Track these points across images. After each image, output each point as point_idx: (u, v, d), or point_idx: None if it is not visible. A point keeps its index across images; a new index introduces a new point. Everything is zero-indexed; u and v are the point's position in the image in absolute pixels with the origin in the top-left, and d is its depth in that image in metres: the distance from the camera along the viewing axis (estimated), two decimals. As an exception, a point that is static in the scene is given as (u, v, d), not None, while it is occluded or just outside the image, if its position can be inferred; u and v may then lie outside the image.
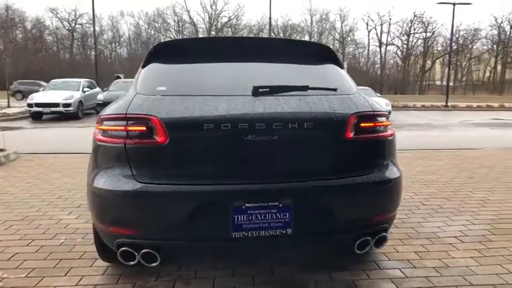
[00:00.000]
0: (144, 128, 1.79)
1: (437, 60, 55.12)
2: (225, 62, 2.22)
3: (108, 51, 54.57)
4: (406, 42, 54.19)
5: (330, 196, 1.83)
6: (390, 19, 54.88)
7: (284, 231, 1.78)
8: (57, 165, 5.57)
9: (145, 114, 1.80)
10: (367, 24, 56.42)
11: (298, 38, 54.89)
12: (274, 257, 2.48)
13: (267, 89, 1.89)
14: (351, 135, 1.89)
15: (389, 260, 2.55)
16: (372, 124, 1.95)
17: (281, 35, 54.04)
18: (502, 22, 53.95)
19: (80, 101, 14.39)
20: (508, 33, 52.52)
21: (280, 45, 2.48)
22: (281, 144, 1.80)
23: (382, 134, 1.98)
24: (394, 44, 55.49)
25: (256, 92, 1.88)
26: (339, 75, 2.22)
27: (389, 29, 55.20)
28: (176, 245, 1.86)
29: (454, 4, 20.64)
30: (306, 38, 54.23)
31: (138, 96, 1.91)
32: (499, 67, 55.66)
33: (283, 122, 1.78)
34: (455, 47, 39.70)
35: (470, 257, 2.60)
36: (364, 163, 1.93)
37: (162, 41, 2.44)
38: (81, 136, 10.06)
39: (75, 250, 2.70)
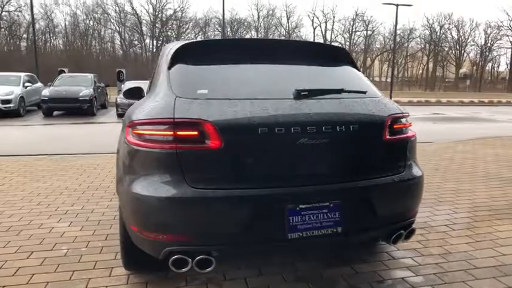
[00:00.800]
0: (196, 133, 1.75)
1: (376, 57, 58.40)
2: (254, 64, 2.22)
3: (41, 42, 50.59)
4: (348, 39, 56.67)
5: (373, 194, 1.94)
6: (334, 17, 56.90)
7: (335, 230, 1.85)
8: (17, 169, 5.15)
9: (197, 119, 1.76)
10: (312, 21, 57.99)
11: (244, 32, 55.10)
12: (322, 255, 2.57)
13: (307, 92, 1.94)
14: (388, 136, 2.00)
15: (399, 250, 2.73)
16: (401, 125, 2.08)
17: (228, 29, 53.86)
18: (433, 23, 58.45)
19: (22, 97, 13.26)
20: (438, 33, 56.96)
21: (302, 47, 2.53)
22: (329, 146, 1.85)
23: (408, 134, 2.13)
24: (337, 41, 57.70)
25: (299, 95, 1.92)
26: (360, 78, 2.33)
27: (333, 26, 57.31)
28: (233, 249, 1.85)
29: (397, 5, 22.15)
30: (253, 34, 54.55)
31: (180, 100, 1.84)
32: (430, 65, 60.36)
33: (331, 124, 1.84)
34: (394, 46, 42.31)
35: (466, 243, 2.86)
36: (397, 162, 2.05)
37: (185, 41, 2.36)
38: (29, 136, 9.35)
39: (85, 260, 2.55)
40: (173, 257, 1.73)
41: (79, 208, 3.61)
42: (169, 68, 2.15)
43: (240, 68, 2.21)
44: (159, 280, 2.30)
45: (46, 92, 13.29)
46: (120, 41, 52.99)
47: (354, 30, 56.36)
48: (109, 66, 39.09)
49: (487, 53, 58.58)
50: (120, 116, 13.16)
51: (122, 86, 17.80)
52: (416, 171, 2.12)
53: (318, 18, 61.91)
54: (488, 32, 57.01)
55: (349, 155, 1.92)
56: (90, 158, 6.01)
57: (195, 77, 2.09)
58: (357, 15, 55.21)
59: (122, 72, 19.17)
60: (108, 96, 17.75)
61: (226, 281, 2.30)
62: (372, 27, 55.85)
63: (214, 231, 1.77)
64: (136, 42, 53.67)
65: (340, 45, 2.61)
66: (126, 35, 52.47)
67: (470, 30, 58.39)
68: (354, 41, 56.90)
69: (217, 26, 54.09)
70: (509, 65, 59.29)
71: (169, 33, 53.30)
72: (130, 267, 2.27)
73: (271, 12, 55.18)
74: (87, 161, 5.72)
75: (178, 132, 1.75)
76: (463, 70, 58.72)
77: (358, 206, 1.91)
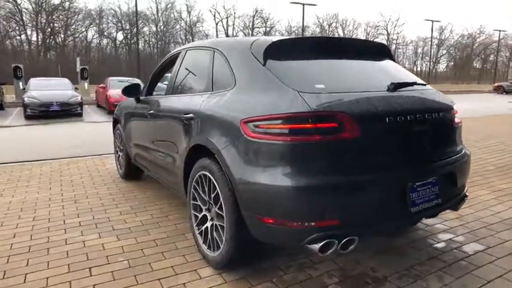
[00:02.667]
0: (335, 125, 1.85)
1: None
2: (339, 59, 2.37)
3: None
4: (250, 35, 58.19)
5: (455, 169, 2.29)
6: (235, 13, 57.82)
7: (437, 201, 2.15)
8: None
9: (335, 111, 1.86)
10: (214, 16, 58.02)
11: (142, 25, 52.39)
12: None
13: (398, 85, 2.18)
14: (456, 121, 2.38)
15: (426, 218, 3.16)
16: (456, 112, 2.47)
17: (124, 21, 50.81)
18: (323, 22, 63.53)
19: None
20: (327, 31, 62.16)
21: (364, 44, 2.72)
22: (429, 131, 2.15)
23: (459, 120, 2.53)
24: (238, 37, 58.93)
25: (395, 88, 2.15)
26: (404, 70, 2.65)
27: (234, 22, 58.26)
28: (370, 227, 2.01)
29: (303, 4, 23.76)
30: (153, 27, 52.36)
31: (307, 94, 1.91)
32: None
33: (432, 112, 2.14)
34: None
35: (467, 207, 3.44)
36: (459, 144, 2.45)
37: (272, 38, 2.38)
38: None
39: (158, 267, 2.41)
40: (323, 242, 1.82)
41: (90, 218, 3.29)
42: (264, 64, 2.18)
43: (332, 64, 2.34)
44: (255, 273, 2.32)
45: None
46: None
47: (253, 26, 58.21)
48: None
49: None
50: (30, 117, 11.69)
51: (23, 84, 15.66)
52: (466, 150, 2.54)
53: (219, 13, 62.21)
54: (368, 30, 64.47)
55: (439, 138, 2.24)
56: (29, 166, 5.34)
57: (302, 72, 2.16)
58: (256, 11, 57.14)
59: (20, 68, 16.82)
60: (3, 96, 15.47)
61: (317, 264, 2.43)
62: (270, 24, 58.46)
63: (357, 214, 1.91)
64: (14, 34, 47.00)
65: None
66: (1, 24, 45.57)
67: (353, 29, 64.85)
68: (256, 35, 58.76)
69: (110, 18, 50.64)
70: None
71: (56, 24, 48.03)
72: (233, 263, 2.24)
73: (170, 5, 53.61)
74: (33, 170, 5.08)
75: (319, 125, 1.84)
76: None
77: (447, 180, 2.24)
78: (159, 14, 52.99)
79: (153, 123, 3.32)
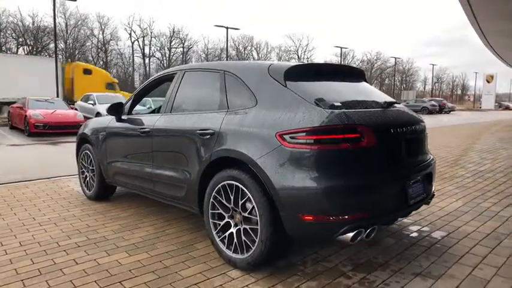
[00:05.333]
0: (358, 135, 2.29)
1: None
2: (340, 82, 2.87)
3: None
4: (168, 55, 57.74)
5: (431, 170, 2.90)
6: (151, 32, 56.86)
7: (423, 195, 2.73)
8: None
9: (357, 124, 2.30)
10: (130, 34, 56.30)
11: (48, 41, 48.50)
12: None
13: (388, 104, 2.74)
14: (426, 132, 3.05)
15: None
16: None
17: (25, 37, 46.57)
18: (238, 45, 65.81)
19: None
20: (242, 53, 64.55)
21: (352, 70, 3.24)
22: (416, 139, 2.74)
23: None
24: (155, 56, 58.06)
25: (388, 105, 2.70)
26: (377, 90, 3.26)
27: (150, 41, 57.24)
28: (388, 217, 2.47)
29: (227, 28, 24.71)
30: (61, 44, 48.81)
31: (333, 111, 2.32)
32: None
33: (415, 124, 2.73)
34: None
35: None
36: (428, 150, 3.11)
37: (291, 63, 2.76)
38: None
39: (188, 274, 2.56)
40: (355, 231, 2.23)
41: (84, 239, 3.23)
42: (285, 85, 2.56)
43: (336, 85, 2.81)
44: (277, 270, 2.61)
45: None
46: None
47: (171, 46, 57.91)
48: None
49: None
50: None
51: None
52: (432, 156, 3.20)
53: (135, 32, 60.64)
54: (280, 54, 68.57)
55: (420, 144, 2.85)
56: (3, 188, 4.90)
57: (319, 92, 2.57)
58: (173, 32, 57.02)
59: None
60: None
61: (327, 257, 2.81)
62: (188, 45, 58.79)
63: (377, 206, 2.37)
64: None
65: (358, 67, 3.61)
66: None
67: (267, 53, 68.43)
68: (171, 57, 58.46)
69: (9, 32, 46.03)
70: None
71: None
72: (267, 261, 2.51)
73: (81, 22, 50.74)
74: (10, 192, 4.68)
75: (347, 135, 2.27)
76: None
77: (427, 179, 2.84)
78: (69, 30, 49.79)
79: (150, 141, 3.43)
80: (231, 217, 2.69)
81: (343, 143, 2.27)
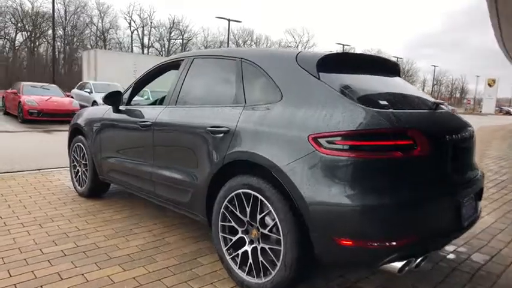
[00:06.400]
0: (411, 141, 1.86)
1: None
2: (380, 76, 2.43)
3: None
4: (166, 46, 56.95)
5: (481, 185, 2.45)
6: (151, 23, 55.96)
7: (475, 215, 2.30)
8: None
9: (410, 128, 1.87)
10: (129, 24, 55.38)
11: (46, 27, 47.57)
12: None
13: (436, 105, 2.31)
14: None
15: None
16: None
17: (24, 23, 45.66)
18: (238, 39, 65.01)
19: None
20: (242, 47, 63.80)
21: (390, 63, 2.74)
22: (468, 148, 2.31)
23: None
24: (154, 47, 57.27)
25: (436, 106, 2.27)
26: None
27: (150, 32, 56.41)
28: (440, 241, 2.04)
29: (229, 20, 24.12)
30: (59, 30, 47.89)
31: (380, 111, 1.89)
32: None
33: (466, 130, 2.29)
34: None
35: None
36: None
37: (323, 52, 2.31)
38: None
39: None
40: (404, 261, 1.81)
41: (72, 246, 2.80)
42: (318, 77, 2.13)
43: (377, 80, 2.38)
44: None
45: None
46: None
47: (170, 37, 57.12)
48: None
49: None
50: None
51: None
52: None
53: (135, 22, 59.60)
54: (281, 50, 67.78)
55: (470, 155, 2.40)
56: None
57: (361, 88, 2.15)
58: (173, 23, 56.21)
59: None
60: None
61: (357, 283, 2.39)
62: (188, 37, 58.01)
63: (431, 229, 1.94)
64: None
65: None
66: None
67: (267, 47, 67.59)
68: (171, 48, 57.67)
69: (8, 17, 45.04)
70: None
71: None
72: (290, 287, 2.09)
73: (80, 9, 49.85)
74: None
75: (399, 142, 1.84)
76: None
77: (478, 195, 2.41)
78: (68, 17, 48.90)
79: (151, 136, 2.99)
80: (246, 232, 2.27)
81: (394, 151, 1.84)
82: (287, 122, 2.07)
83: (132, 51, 54.86)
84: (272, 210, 2.06)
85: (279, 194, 2.04)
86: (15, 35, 46.19)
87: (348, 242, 1.84)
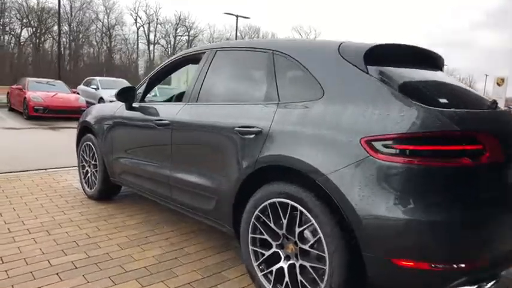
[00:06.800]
0: (481, 146, 1.59)
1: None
2: (425, 69, 2.15)
3: None
4: (173, 42, 56.64)
5: None
6: (157, 19, 55.61)
7: None
8: None
9: (480, 131, 1.59)
10: (135, 20, 55.09)
11: (52, 23, 47.43)
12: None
13: (495, 103, 2.02)
14: None
15: None
16: None
17: (30, 19, 45.55)
18: (245, 36, 64.59)
19: None
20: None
21: (430, 54, 2.48)
22: None
23: None
24: (159, 44, 57.03)
25: (496, 106, 1.98)
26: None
27: (156, 28, 56.14)
28: (509, 264, 1.75)
29: (237, 16, 23.89)
30: (64, 26, 47.73)
31: (440, 110, 1.62)
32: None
33: None
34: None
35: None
36: None
37: (371, 43, 2.03)
38: None
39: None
40: (474, 286, 1.54)
41: (84, 257, 2.56)
42: (366, 71, 1.85)
43: (430, 75, 2.10)
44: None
45: None
46: None
47: (176, 34, 56.85)
48: None
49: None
50: None
51: None
52: None
53: (141, 18, 59.22)
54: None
55: None
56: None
57: (416, 84, 1.89)
58: (179, 20, 55.88)
59: None
60: None
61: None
62: (194, 33, 57.71)
63: (504, 250, 1.66)
64: None
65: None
66: None
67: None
68: (177, 44, 57.41)
69: (13, 12, 44.91)
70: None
71: None
72: None
73: (86, 5, 49.65)
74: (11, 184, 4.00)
75: (468, 147, 1.56)
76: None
77: None
78: (73, 13, 48.74)
79: (169, 136, 2.73)
80: (281, 246, 2.01)
81: (463, 157, 1.56)
82: (333, 123, 1.79)
83: (137, 48, 54.72)
84: (315, 224, 1.79)
85: (324, 205, 1.77)
86: (21, 30, 46.09)
87: (409, 264, 1.57)
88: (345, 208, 1.68)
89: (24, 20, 46.13)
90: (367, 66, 1.87)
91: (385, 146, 1.61)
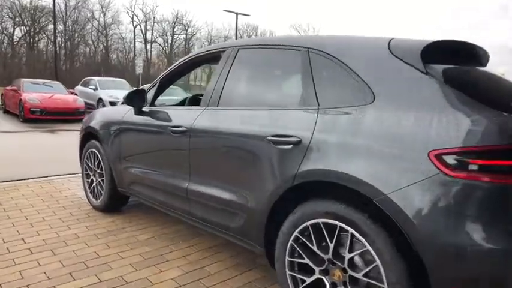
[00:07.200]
0: None
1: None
2: (483, 68, 1.90)
3: None
4: (170, 41, 56.15)
5: None
6: (154, 17, 55.01)
7: None
8: None
9: None
10: (132, 19, 54.51)
11: (46, 22, 46.78)
12: None
13: None
14: None
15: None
16: None
17: (22, 17, 44.92)
18: (242, 34, 64.21)
19: None
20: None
21: (475, 48, 2.21)
22: None
23: None
24: (157, 42, 56.51)
25: None
26: None
27: (153, 27, 55.58)
28: None
29: (237, 14, 23.61)
30: (60, 25, 47.16)
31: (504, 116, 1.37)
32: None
33: None
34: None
35: None
36: None
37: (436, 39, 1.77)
38: None
39: None
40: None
41: (95, 281, 2.30)
42: (425, 72, 1.59)
43: (486, 74, 1.86)
44: None
45: None
46: None
47: (173, 32, 56.34)
48: None
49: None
50: None
51: None
52: None
53: (137, 17, 58.55)
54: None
55: None
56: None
57: (482, 86, 1.66)
58: (177, 18, 55.36)
59: None
60: None
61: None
62: (192, 32, 57.22)
63: None
64: None
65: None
66: None
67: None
68: (174, 43, 56.91)
69: (5, 11, 44.20)
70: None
71: None
72: None
73: (81, 3, 49.02)
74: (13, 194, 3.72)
75: None
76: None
77: None
78: (68, 11, 48.11)
79: (187, 145, 2.46)
80: (325, 273, 1.75)
81: None
82: (391, 133, 1.54)
83: (134, 46, 54.20)
84: (371, 250, 1.54)
85: (381, 229, 1.51)
86: (13, 30, 45.41)
87: None
88: (410, 233, 1.43)
89: (17, 19, 45.48)
90: (426, 66, 1.62)
91: (459, 162, 1.35)
